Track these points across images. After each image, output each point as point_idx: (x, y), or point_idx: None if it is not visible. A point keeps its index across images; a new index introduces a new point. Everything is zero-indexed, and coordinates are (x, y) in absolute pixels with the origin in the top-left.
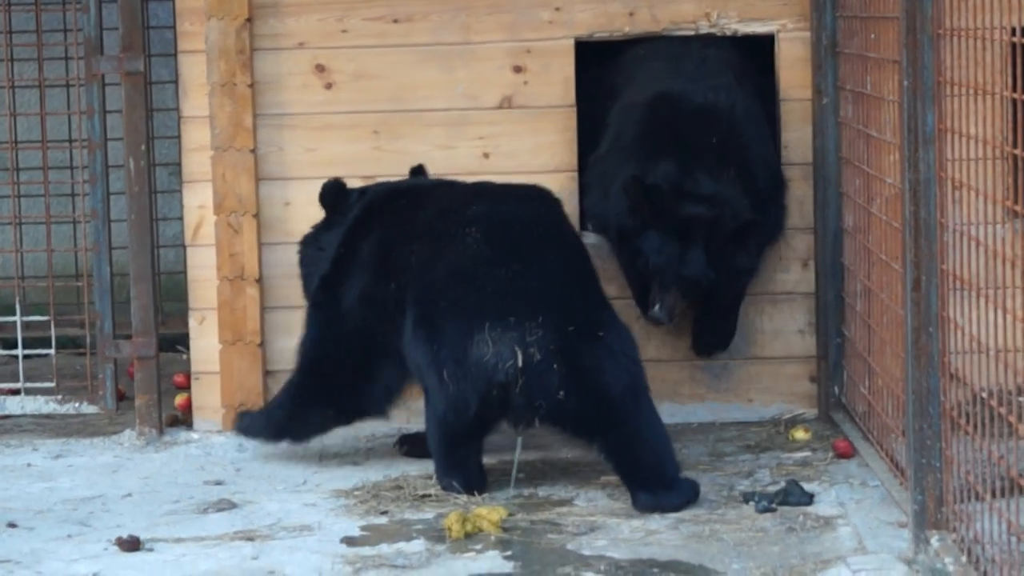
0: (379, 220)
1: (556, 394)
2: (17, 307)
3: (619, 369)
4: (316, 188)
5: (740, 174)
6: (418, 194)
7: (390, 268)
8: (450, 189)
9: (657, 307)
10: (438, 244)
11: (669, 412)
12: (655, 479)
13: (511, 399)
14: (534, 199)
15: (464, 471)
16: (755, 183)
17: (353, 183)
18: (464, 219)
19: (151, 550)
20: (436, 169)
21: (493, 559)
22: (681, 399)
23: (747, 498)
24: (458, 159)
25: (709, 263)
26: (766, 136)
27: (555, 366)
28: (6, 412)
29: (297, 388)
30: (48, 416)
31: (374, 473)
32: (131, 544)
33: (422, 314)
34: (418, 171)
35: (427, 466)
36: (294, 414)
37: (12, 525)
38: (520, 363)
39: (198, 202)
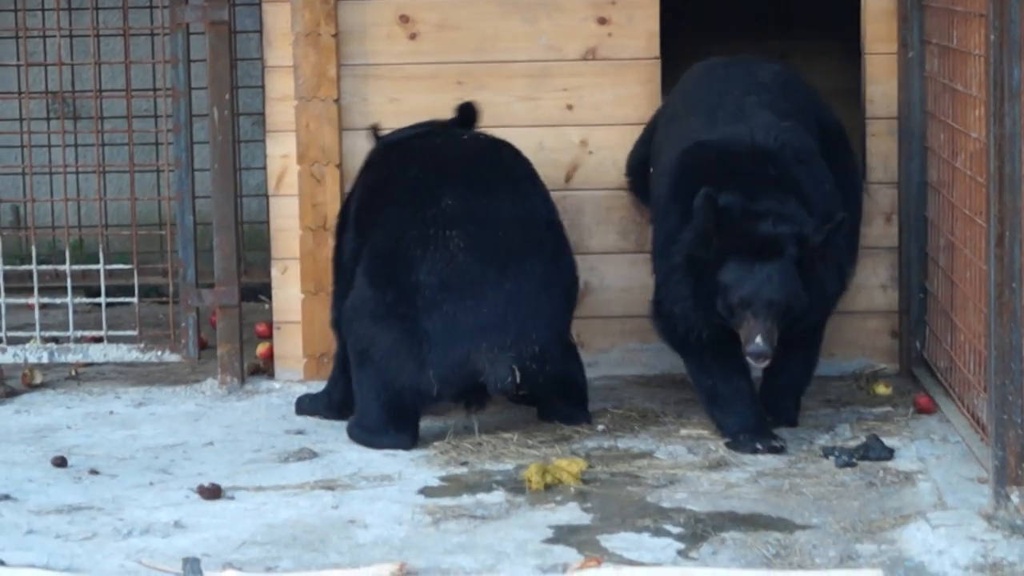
0: (365, 174)
1: (528, 388)
2: (100, 255)
3: (580, 365)
4: None
5: (801, 202)
6: (407, 149)
7: (362, 227)
8: (436, 150)
9: (758, 339)
10: (412, 222)
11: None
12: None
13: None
14: (508, 172)
15: (407, 431)
16: (812, 211)
17: None
18: (444, 216)
19: (232, 498)
20: (519, 120)
21: (572, 511)
22: None
23: (827, 452)
24: (541, 111)
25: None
26: (817, 172)
27: (541, 373)
28: (89, 360)
29: (338, 358)
30: (131, 364)
31: (454, 424)
32: (212, 492)
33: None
34: (466, 109)
35: (507, 419)
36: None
37: (94, 472)
38: (518, 380)
39: (281, 152)
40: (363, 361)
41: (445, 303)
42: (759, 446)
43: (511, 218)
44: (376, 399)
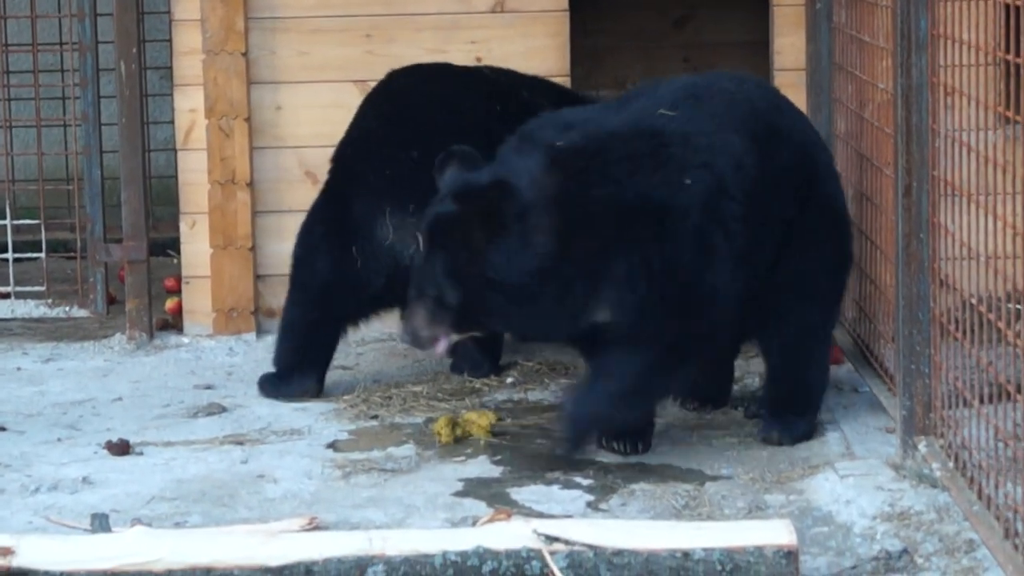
0: None
1: None
2: (7, 211)
3: None
4: (308, 92)
5: None
6: None
7: None
8: None
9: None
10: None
11: None
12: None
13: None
14: None
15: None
16: None
17: (345, 88)
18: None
19: (141, 454)
20: None
21: (482, 464)
22: None
23: (736, 404)
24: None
25: None
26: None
27: None
28: None
29: None
30: (38, 320)
31: (364, 378)
32: (121, 448)
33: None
34: None
35: (417, 371)
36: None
37: (2, 428)
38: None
39: (189, 106)
40: None
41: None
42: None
43: None
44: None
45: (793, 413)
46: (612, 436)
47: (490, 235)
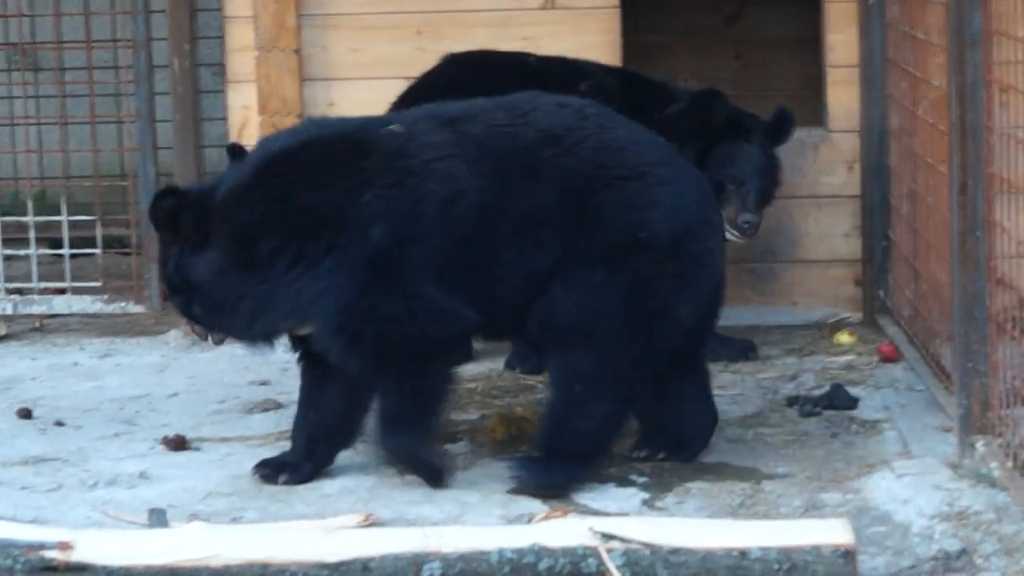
0: None
1: None
2: (63, 207)
3: None
4: (360, 89)
5: None
6: None
7: None
8: None
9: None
10: None
11: None
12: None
13: None
14: None
15: None
16: None
17: (397, 84)
18: None
19: (197, 449)
20: None
21: None
22: (726, 301)
23: (791, 402)
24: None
25: None
26: None
27: None
28: (54, 311)
29: None
30: (95, 316)
31: None
32: (177, 443)
33: None
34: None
35: (471, 368)
36: None
37: (60, 423)
38: None
39: (242, 102)
40: None
41: None
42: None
43: None
44: None
45: (544, 458)
46: None
47: (174, 240)
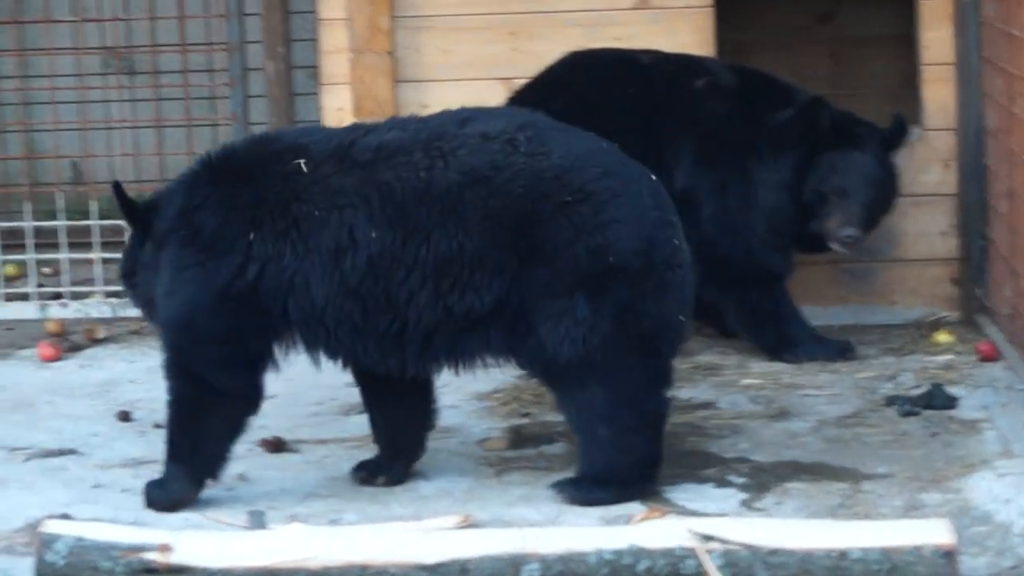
0: None
1: None
2: None
3: None
4: (453, 91)
5: None
6: None
7: None
8: None
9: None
10: None
11: (811, 315)
12: None
13: None
14: None
15: None
16: None
17: (490, 86)
18: None
19: (295, 451)
20: None
21: None
22: (823, 301)
23: (890, 402)
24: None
25: None
26: None
27: None
28: None
29: None
30: None
31: (516, 375)
32: (275, 445)
33: None
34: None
35: None
36: None
37: (158, 426)
38: None
39: (336, 104)
40: None
41: None
42: None
43: None
44: None
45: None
46: None
47: (139, 241)
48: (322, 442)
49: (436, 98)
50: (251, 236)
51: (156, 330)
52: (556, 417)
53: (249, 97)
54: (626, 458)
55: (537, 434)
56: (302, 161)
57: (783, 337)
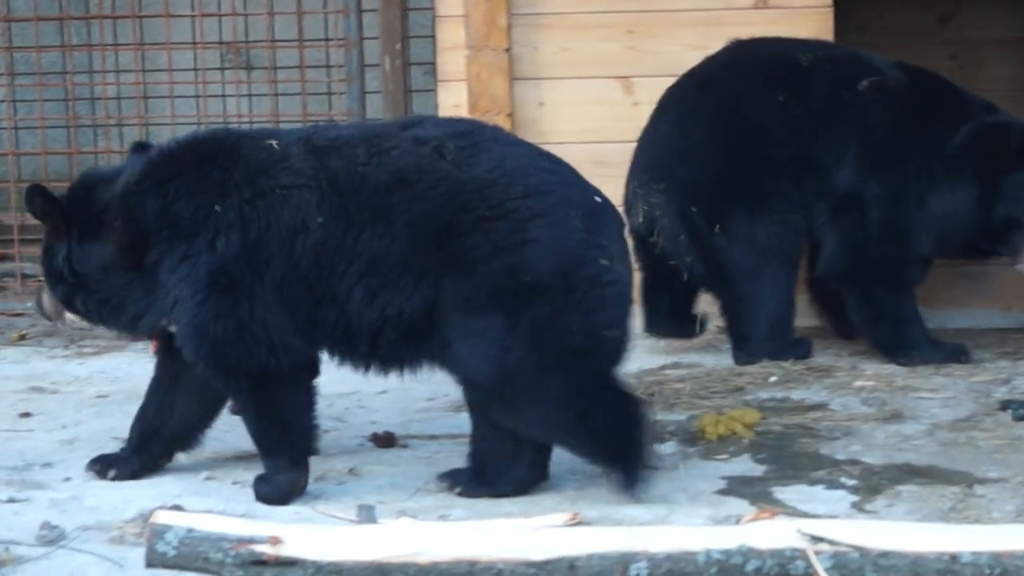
0: None
1: None
2: None
3: None
4: (570, 88)
5: None
6: None
7: None
8: None
9: None
10: None
11: (927, 317)
12: None
13: None
14: None
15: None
16: None
17: (607, 84)
18: None
19: (405, 446)
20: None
21: (745, 462)
22: (939, 304)
23: (1004, 406)
24: None
25: None
26: None
27: None
28: None
29: None
30: None
31: (627, 374)
32: (386, 440)
33: None
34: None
35: (682, 370)
36: None
37: None
38: None
39: (453, 101)
40: None
41: None
42: None
43: None
44: None
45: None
46: None
47: (70, 228)
48: (432, 438)
49: (553, 95)
50: (216, 208)
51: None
52: (667, 416)
53: (366, 93)
54: (602, 448)
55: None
56: (273, 141)
57: (900, 339)
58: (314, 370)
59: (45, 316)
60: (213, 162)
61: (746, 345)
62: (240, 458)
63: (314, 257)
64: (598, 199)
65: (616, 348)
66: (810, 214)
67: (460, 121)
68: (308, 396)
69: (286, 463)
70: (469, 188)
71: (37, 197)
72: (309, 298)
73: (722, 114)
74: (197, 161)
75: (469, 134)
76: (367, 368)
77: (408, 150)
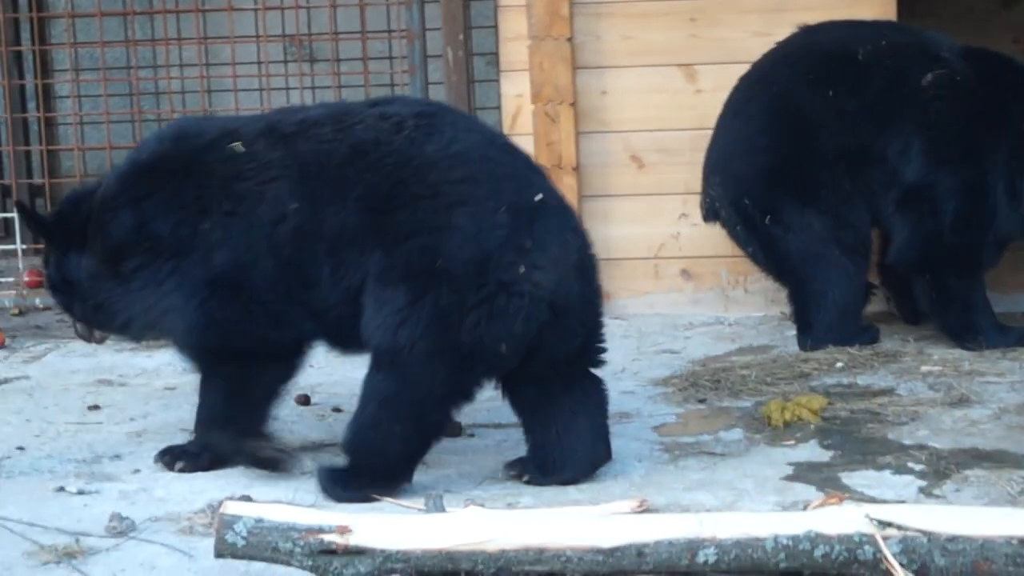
0: None
1: None
2: None
3: None
4: (633, 77)
5: None
6: None
7: None
8: None
9: None
10: None
11: (994, 301)
12: None
13: None
14: None
15: None
16: None
17: (670, 72)
18: None
19: (472, 435)
20: (753, 57)
21: (812, 448)
22: (1006, 288)
23: None
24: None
25: None
26: None
27: None
28: None
29: None
30: None
31: (693, 361)
32: (453, 429)
33: None
34: None
35: (748, 357)
36: None
37: (337, 410)
38: None
39: (516, 91)
40: None
41: None
42: None
43: None
44: None
45: (347, 471)
46: None
47: (56, 240)
48: (499, 426)
49: (615, 84)
50: (204, 226)
51: (110, 336)
52: (733, 403)
53: (428, 84)
54: (385, 443)
55: (714, 420)
56: (238, 144)
57: (969, 324)
58: (301, 353)
59: (81, 337)
60: (186, 178)
61: (811, 331)
62: (307, 448)
63: (294, 242)
64: (540, 197)
65: (496, 362)
66: (873, 205)
67: (431, 103)
68: (273, 388)
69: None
70: (413, 164)
71: (21, 213)
72: (297, 283)
73: (772, 108)
74: (169, 177)
75: (432, 115)
76: (345, 350)
77: (371, 125)
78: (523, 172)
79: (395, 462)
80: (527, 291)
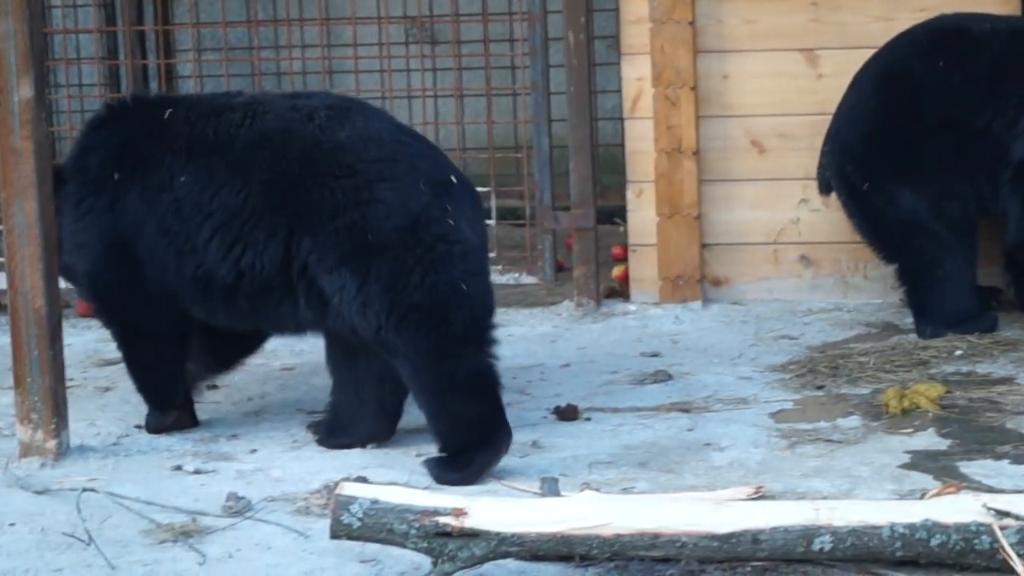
0: None
1: None
2: None
3: None
4: (754, 61)
5: None
6: None
7: None
8: None
9: None
10: None
11: None
12: None
13: None
14: None
15: None
16: None
17: (791, 56)
18: None
19: (588, 419)
20: (875, 42)
21: (930, 436)
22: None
23: None
24: (898, 32)
25: None
26: None
27: None
28: None
29: None
30: None
31: (811, 347)
32: (569, 413)
33: None
34: None
35: (866, 344)
36: None
37: None
38: None
39: (636, 74)
40: None
41: None
42: None
43: None
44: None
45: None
46: None
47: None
48: (615, 411)
49: (737, 68)
50: (116, 175)
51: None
52: (851, 390)
53: (549, 67)
54: (458, 429)
55: (831, 407)
56: (169, 110)
57: None
58: (183, 325)
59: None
60: (121, 125)
61: (930, 320)
62: (424, 431)
63: (175, 212)
64: (453, 178)
65: (469, 304)
66: (983, 181)
67: (346, 99)
68: (175, 348)
69: (152, 405)
70: (325, 148)
71: None
72: (171, 250)
73: (882, 74)
74: (116, 121)
75: (344, 108)
76: (228, 322)
77: (282, 114)
78: (434, 154)
79: (479, 435)
80: (460, 238)
